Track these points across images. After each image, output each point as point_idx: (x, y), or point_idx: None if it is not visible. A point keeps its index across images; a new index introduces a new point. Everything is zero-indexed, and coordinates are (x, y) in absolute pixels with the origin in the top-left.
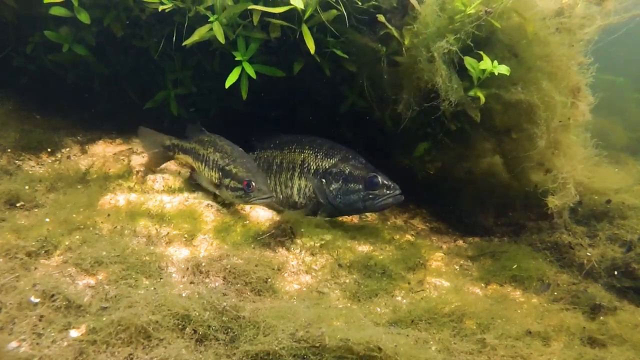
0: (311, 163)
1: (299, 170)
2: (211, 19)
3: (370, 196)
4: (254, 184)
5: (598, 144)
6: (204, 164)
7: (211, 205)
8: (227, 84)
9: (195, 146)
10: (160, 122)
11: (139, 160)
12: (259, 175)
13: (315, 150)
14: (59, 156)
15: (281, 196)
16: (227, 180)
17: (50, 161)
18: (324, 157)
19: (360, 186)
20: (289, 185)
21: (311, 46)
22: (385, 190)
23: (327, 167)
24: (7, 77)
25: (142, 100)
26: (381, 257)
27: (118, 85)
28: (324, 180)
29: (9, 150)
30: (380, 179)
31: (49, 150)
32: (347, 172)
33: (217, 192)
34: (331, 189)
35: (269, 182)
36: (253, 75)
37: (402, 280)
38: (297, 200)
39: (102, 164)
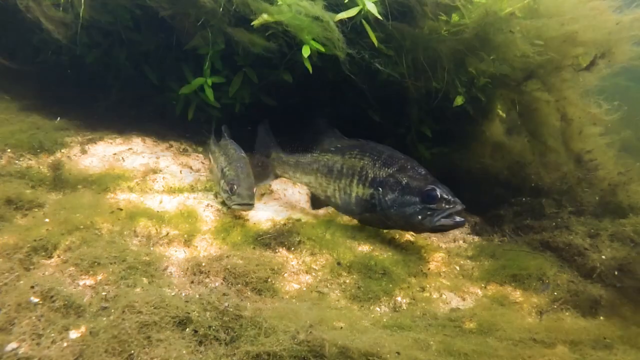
0: (369, 171)
1: (357, 177)
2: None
3: (429, 212)
4: (235, 187)
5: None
6: (217, 167)
7: (211, 205)
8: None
9: (216, 150)
10: (161, 122)
11: (139, 160)
12: (246, 180)
13: (374, 157)
14: (59, 156)
15: (339, 202)
16: (222, 182)
17: (50, 161)
18: (382, 165)
19: (417, 199)
20: (347, 192)
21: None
22: (444, 205)
23: (384, 176)
24: (8, 78)
25: (161, 87)
26: (381, 257)
27: (136, 69)
28: (380, 189)
29: (9, 150)
30: (439, 192)
31: (49, 150)
32: (404, 182)
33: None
34: (387, 199)
35: (329, 186)
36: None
37: (402, 281)
38: (354, 208)
39: (103, 164)
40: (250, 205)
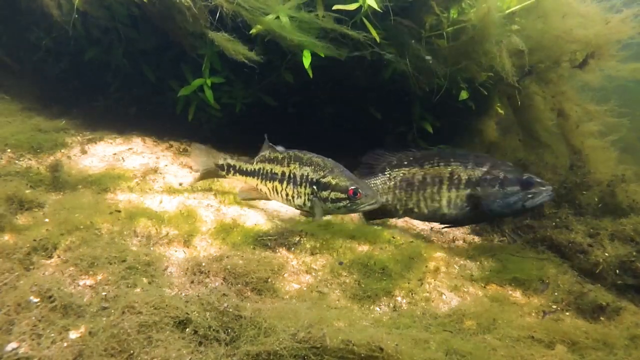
0: (461, 174)
1: (447, 182)
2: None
3: (530, 195)
4: (360, 191)
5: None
6: (285, 183)
7: (211, 206)
8: None
9: (265, 166)
10: (161, 122)
11: (139, 160)
12: (361, 181)
13: (462, 161)
14: (59, 156)
15: (426, 210)
16: (325, 193)
17: (50, 161)
18: (474, 166)
19: (518, 188)
20: (436, 199)
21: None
22: (541, 188)
23: (480, 175)
24: (8, 78)
25: (160, 86)
26: (381, 256)
27: (135, 69)
28: (478, 188)
29: (9, 150)
30: (534, 178)
31: (49, 150)
32: (501, 176)
33: (298, 209)
34: (488, 194)
35: (410, 198)
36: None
37: (402, 280)
38: (446, 212)
39: (103, 164)
40: (378, 202)
